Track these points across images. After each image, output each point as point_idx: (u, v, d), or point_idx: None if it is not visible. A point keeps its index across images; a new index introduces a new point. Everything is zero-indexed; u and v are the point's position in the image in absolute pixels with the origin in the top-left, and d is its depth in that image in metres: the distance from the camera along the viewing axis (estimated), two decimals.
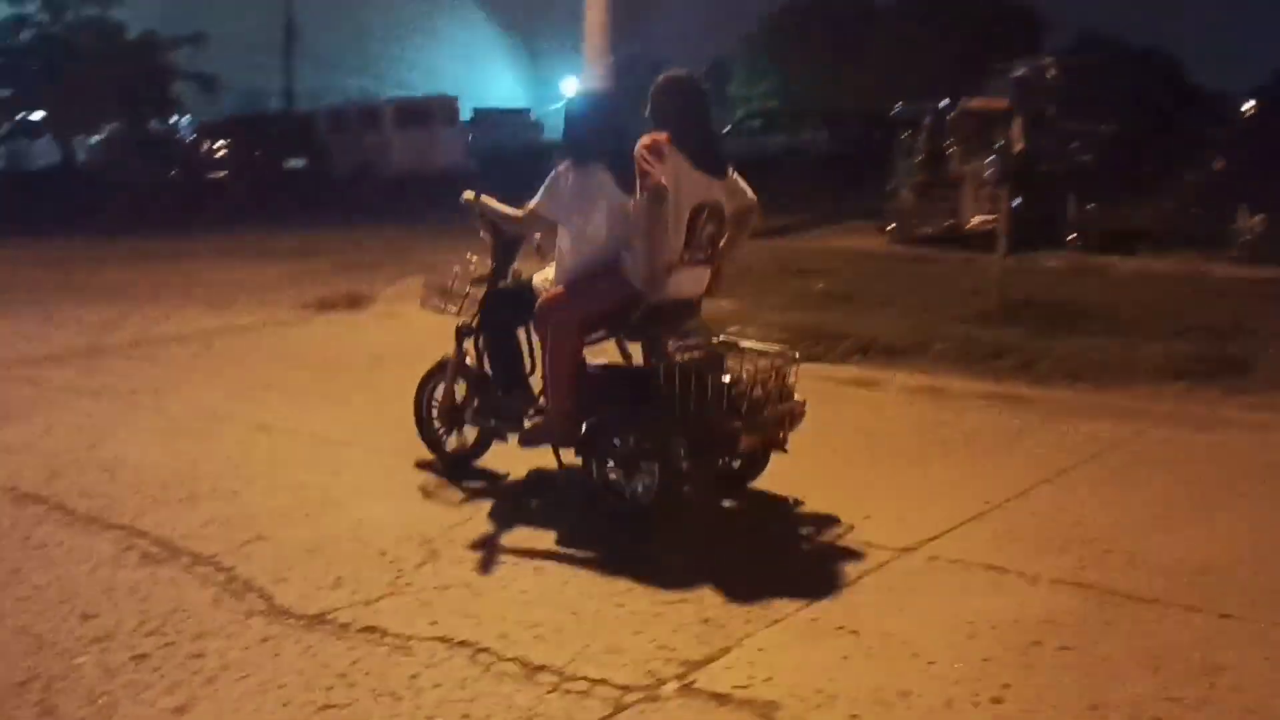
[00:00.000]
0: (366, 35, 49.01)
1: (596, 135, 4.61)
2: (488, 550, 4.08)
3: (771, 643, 3.31)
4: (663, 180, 4.23)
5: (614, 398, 4.49)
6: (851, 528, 4.27)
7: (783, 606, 3.57)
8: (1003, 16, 32.93)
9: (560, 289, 4.57)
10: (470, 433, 5.04)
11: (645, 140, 4.33)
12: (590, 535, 4.23)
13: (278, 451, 5.41)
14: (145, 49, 30.05)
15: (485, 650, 3.25)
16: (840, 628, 3.41)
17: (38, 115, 32.58)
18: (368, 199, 22.08)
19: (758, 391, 4.37)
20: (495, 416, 4.86)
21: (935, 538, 4.15)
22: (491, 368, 4.90)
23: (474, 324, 4.94)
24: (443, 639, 3.33)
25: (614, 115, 4.75)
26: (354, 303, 10.31)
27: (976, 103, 13.38)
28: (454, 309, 5.06)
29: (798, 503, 4.60)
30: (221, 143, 26.85)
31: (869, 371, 7.36)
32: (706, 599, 3.63)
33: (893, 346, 7.77)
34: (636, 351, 4.62)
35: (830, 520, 4.37)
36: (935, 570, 3.88)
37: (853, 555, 4.02)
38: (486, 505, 4.60)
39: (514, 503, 4.66)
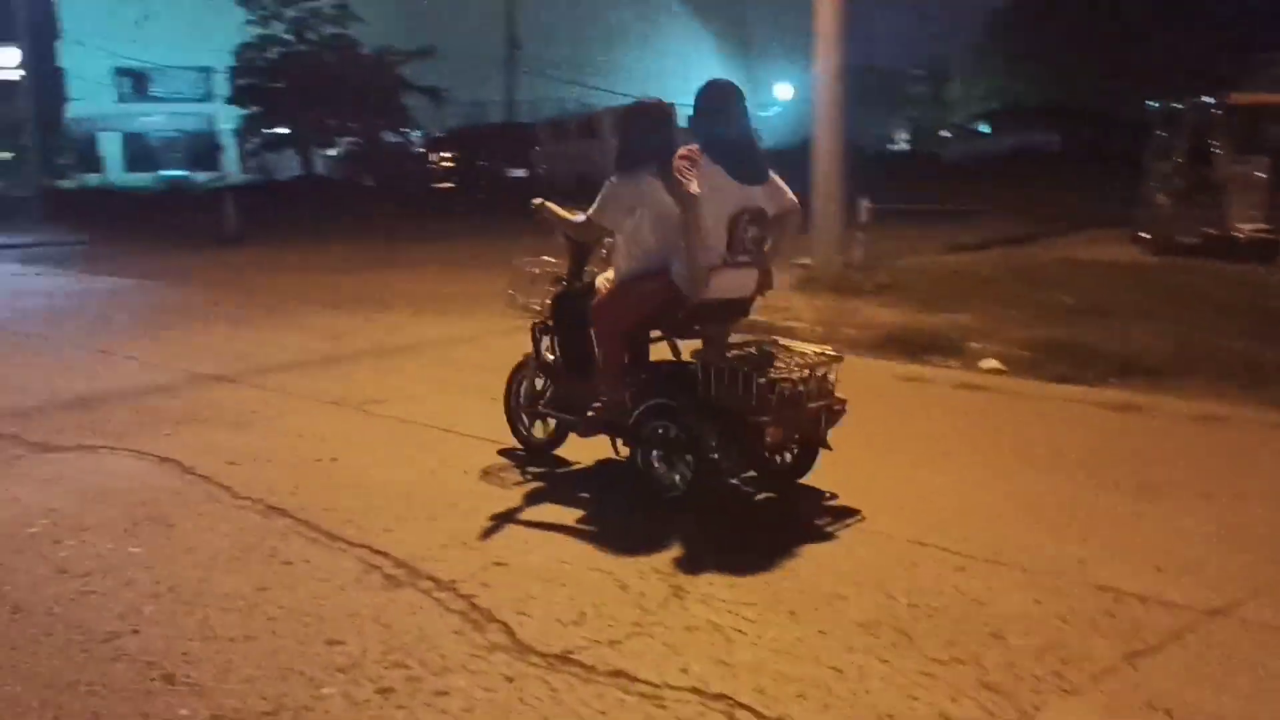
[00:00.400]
0: (584, 45, 49.77)
1: (646, 145, 4.78)
2: (734, 589, 3.81)
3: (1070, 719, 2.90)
4: (694, 189, 4.47)
5: (662, 392, 4.73)
6: (1140, 581, 3.79)
7: (1074, 674, 3.14)
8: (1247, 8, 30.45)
9: (612, 290, 4.89)
10: (550, 423, 5.41)
11: (681, 151, 4.58)
12: (847, 578, 3.90)
13: (513, 470, 5.30)
14: (379, 64, 31.43)
15: (744, 707, 2.97)
16: (1149, 704, 2.96)
17: (282, 129, 34.61)
18: None
19: (791, 389, 4.51)
20: (565, 408, 5.18)
21: (1247, 598, 3.62)
22: (561, 363, 5.23)
23: (549, 322, 5.28)
24: (696, 690, 3.07)
25: (664, 125, 4.87)
26: None
27: (1245, 98, 12.25)
28: (536, 306, 5.38)
29: (1074, 548, 4.14)
30: (447, 154, 27.77)
31: (1132, 395, 6.75)
32: (985, 659, 3.24)
33: (1158, 368, 7.11)
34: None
35: (1112, 570, 3.89)
36: (1254, 638, 3.36)
37: (1149, 615, 3.54)
38: (728, 537, 4.34)
39: (761, 538, 4.37)
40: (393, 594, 3.78)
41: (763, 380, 4.43)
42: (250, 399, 6.88)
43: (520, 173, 25.51)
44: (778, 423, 4.46)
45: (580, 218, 4.95)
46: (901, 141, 49.13)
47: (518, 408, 5.55)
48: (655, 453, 4.68)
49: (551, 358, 5.30)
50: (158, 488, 4.95)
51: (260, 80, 33.52)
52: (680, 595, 3.75)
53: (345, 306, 11.38)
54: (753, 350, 4.71)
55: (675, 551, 4.15)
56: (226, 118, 46.14)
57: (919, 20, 45.94)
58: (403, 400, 6.82)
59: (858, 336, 8.68)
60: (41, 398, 6.93)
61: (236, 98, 35.21)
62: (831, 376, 4.69)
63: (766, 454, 4.78)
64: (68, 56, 48.14)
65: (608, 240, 5.07)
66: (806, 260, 11.40)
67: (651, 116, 4.89)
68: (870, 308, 9.66)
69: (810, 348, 4.81)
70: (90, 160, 49.54)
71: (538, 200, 5.16)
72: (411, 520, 4.54)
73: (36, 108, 26.57)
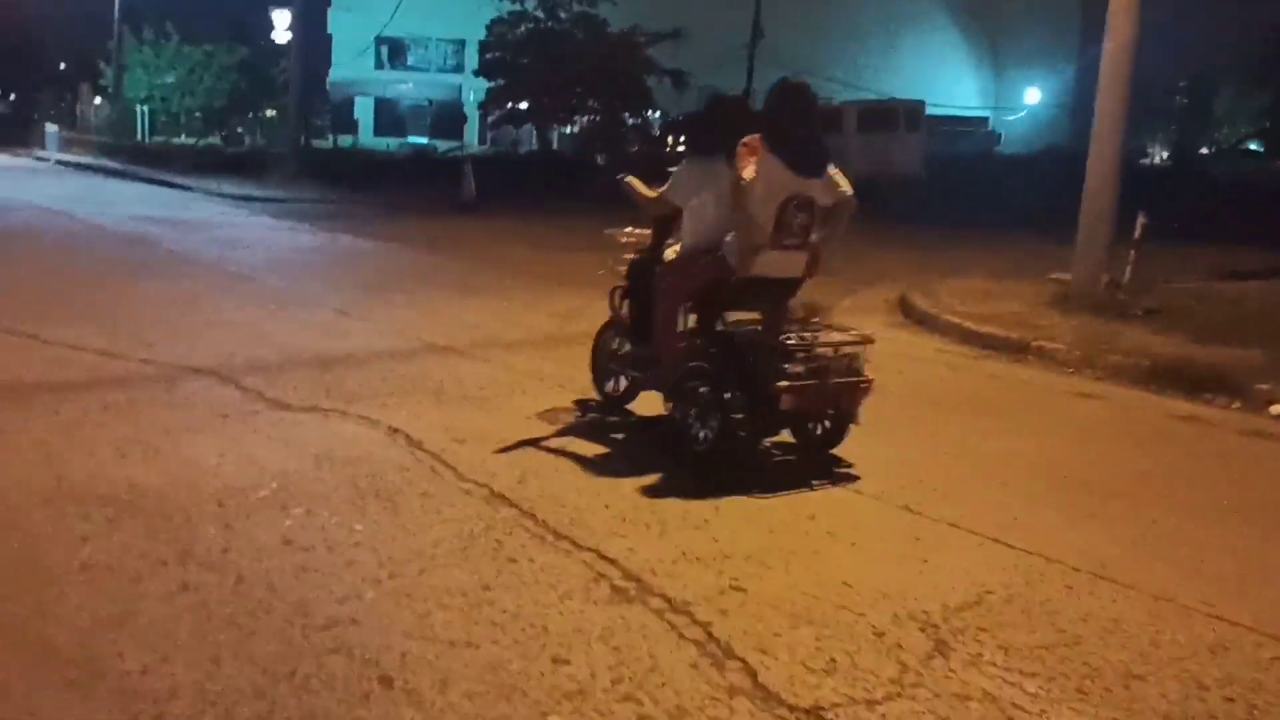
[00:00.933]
0: (826, 38, 48.65)
1: (717, 135, 5.27)
2: (1008, 654, 3.29)
3: None
4: (747, 174, 4.86)
5: (703, 357, 5.17)
6: None
7: None
8: None
9: (673, 260, 5.42)
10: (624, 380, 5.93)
11: (745, 139, 4.95)
12: (1144, 655, 3.33)
13: (745, 477, 4.91)
14: (626, 45, 31.40)
15: None
16: None
17: (523, 104, 35.25)
18: None
19: (813, 364, 4.95)
20: (635, 366, 5.71)
21: None
22: (631, 324, 5.71)
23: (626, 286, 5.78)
24: None
25: (738, 119, 5.33)
26: (812, 312, 9.78)
27: None
28: (621, 269, 5.86)
29: None
30: (684, 138, 27.54)
31: None
32: None
33: None
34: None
35: None
36: None
37: None
38: (991, 582, 3.82)
39: (1033, 596, 3.83)
40: (622, 610, 3.45)
41: (783, 354, 4.93)
42: (479, 374, 6.75)
43: None
44: (793, 392, 4.85)
45: (654, 194, 5.53)
46: (1158, 156, 46.10)
47: (601, 364, 6.11)
48: (692, 410, 5.09)
49: (627, 320, 5.80)
50: (384, 460, 4.81)
51: (507, 54, 34.17)
52: (944, 652, 3.28)
53: (573, 284, 11.25)
54: (794, 328, 5.17)
55: (933, 596, 3.67)
56: (473, 89, 47.60)
57: (1182, 31, 42.92)
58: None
59: (1123, 364, 7.87)
60: (282, 353, 7.00)
61: (483, 70, 36.03)
62: (860, 358, 5.08)
63: (791, 421, 5.23)
64: (335, 23, 50.73)
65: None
66: (1064, 275, 10.55)
67: (729, 111, 5.52)
68: (1138, 333, 8.79)
69: (845, 331, 5.26)
70: (345, 123, 52.10)
71: (621, 175, 5.80)
72: (641, 526, 4.21)
73: (301, 70, 27.88)
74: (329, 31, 51.07)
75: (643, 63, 31.39)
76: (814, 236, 5.18)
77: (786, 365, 4.90)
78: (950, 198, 22.98)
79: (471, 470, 4.71)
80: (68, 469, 4.50)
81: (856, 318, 9.69)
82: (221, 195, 22.00)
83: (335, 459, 4.78)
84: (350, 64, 52.00)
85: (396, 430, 5.27)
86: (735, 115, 5.42)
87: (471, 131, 54.22)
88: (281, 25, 28.08)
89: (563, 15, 32.65)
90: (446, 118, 54.65)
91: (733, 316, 5.33)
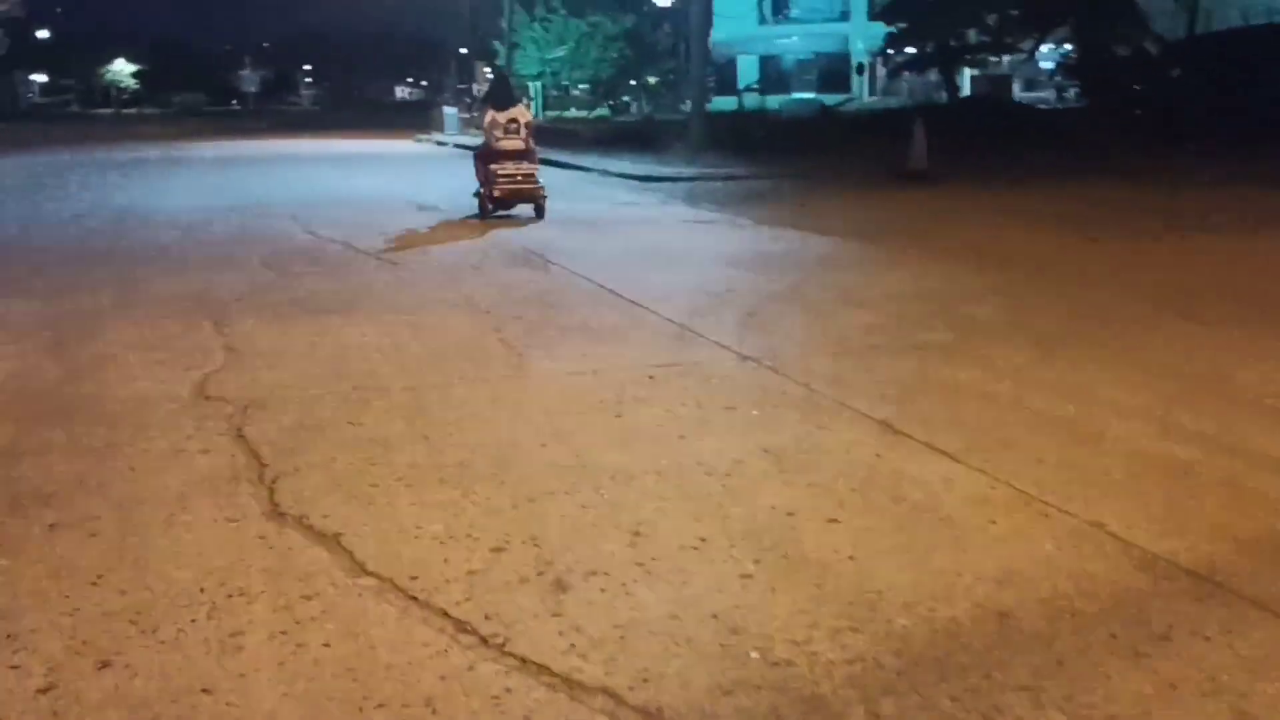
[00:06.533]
0: None
1: (488, 94, 13.88)
2: None
3: None
4: (488, 115, 12.99)
5: (483, 179, 13.02)
6: None
7: None
8: None
9: (480, 150, 13.40)
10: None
11: (486, 100, 13.89)
12: None
13: None
14: None
15: None
16: None
17: (928, 47, 30.56)
18: None
19: (509, 178, 12.63)
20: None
21: None
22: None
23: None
24: None
25: (498, 86, 13.83)
26: None
27: None
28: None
29: None
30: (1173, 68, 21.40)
31: None
32: None
33: None
34: None
35: None
36: None
37: None
38: None
39: None
40: None
41: (499, 176, 12.59)
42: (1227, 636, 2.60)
43: None
44: (500, 190, 12.61)
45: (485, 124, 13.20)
46: None
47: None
48: (478, 201, 13.07)
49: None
50: None
51: None
52: None
53: (1196, 313, 6.85)
54: (512, 165, 12.64)
55: None
56: (862, 38, 43.20)
57: None
58: None
59: None
60: (799, 591, 3.18)
61: (881, 13, 31.59)
62: (540, 179, 12.85)
63: (508, 203, 12.75)
64: None
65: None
66: None
67: (494, 83, 14.20)
68: None
69: (534, 165, 12.84)
70: (729, 83, 49.42)
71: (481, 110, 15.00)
72: None
73: (702, 30, 24.76)
74: None
75: None
76: (522, 133, 12.71)
77: (500, 179, 12.54)
78: None
79: None
80: None
81: None
82: (622, 176, 18.99)
83: None
84: (733, 22, 49.23)
85: None
86: (496, 86, 13.80)
87: (860, 83, 50.35)
88: None
89: None
90: (832, 70, 51.33)
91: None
